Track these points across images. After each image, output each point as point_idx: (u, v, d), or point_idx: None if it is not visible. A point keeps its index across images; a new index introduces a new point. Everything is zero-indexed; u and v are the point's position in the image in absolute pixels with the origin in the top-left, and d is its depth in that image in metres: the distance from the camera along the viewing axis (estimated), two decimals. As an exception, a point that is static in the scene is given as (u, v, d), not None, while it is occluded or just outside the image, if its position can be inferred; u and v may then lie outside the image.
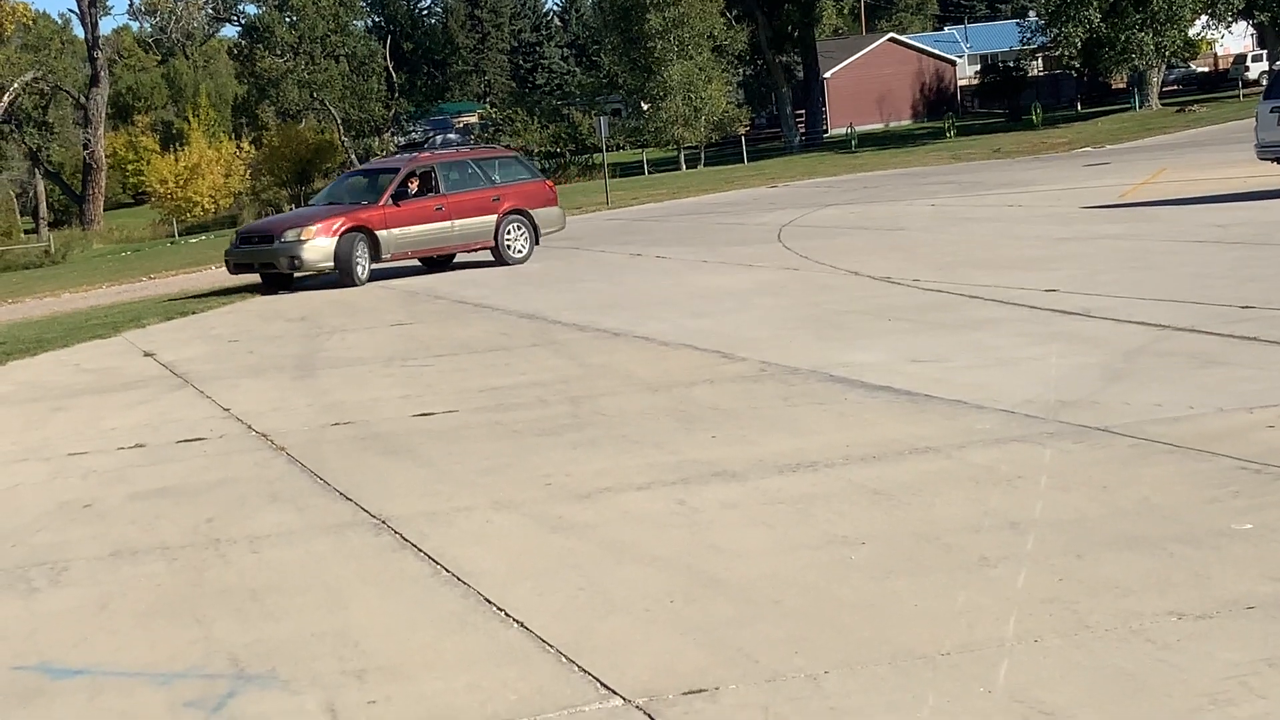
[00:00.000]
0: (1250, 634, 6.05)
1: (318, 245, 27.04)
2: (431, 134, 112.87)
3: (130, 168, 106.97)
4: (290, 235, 27.22)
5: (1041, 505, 8.23)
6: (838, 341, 14.83)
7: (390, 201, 28.09)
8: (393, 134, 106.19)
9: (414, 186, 28.72)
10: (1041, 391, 11.32)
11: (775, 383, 12.83)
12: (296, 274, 27.58)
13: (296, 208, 31.24)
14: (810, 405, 11.71)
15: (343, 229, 27.25)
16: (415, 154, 31.87)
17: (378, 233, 27.66)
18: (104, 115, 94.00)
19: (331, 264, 27.16)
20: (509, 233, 29.45)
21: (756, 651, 6.34)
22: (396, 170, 29.02)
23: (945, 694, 5.70)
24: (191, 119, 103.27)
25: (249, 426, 13.06)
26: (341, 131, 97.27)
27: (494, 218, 29.24)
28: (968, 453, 9.63)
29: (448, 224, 28.69)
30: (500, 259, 29.22)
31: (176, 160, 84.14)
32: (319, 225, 27.23)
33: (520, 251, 29.46)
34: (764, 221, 33.25)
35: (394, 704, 6.08)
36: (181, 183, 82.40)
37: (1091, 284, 17.25)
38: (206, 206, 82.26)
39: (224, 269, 30.10)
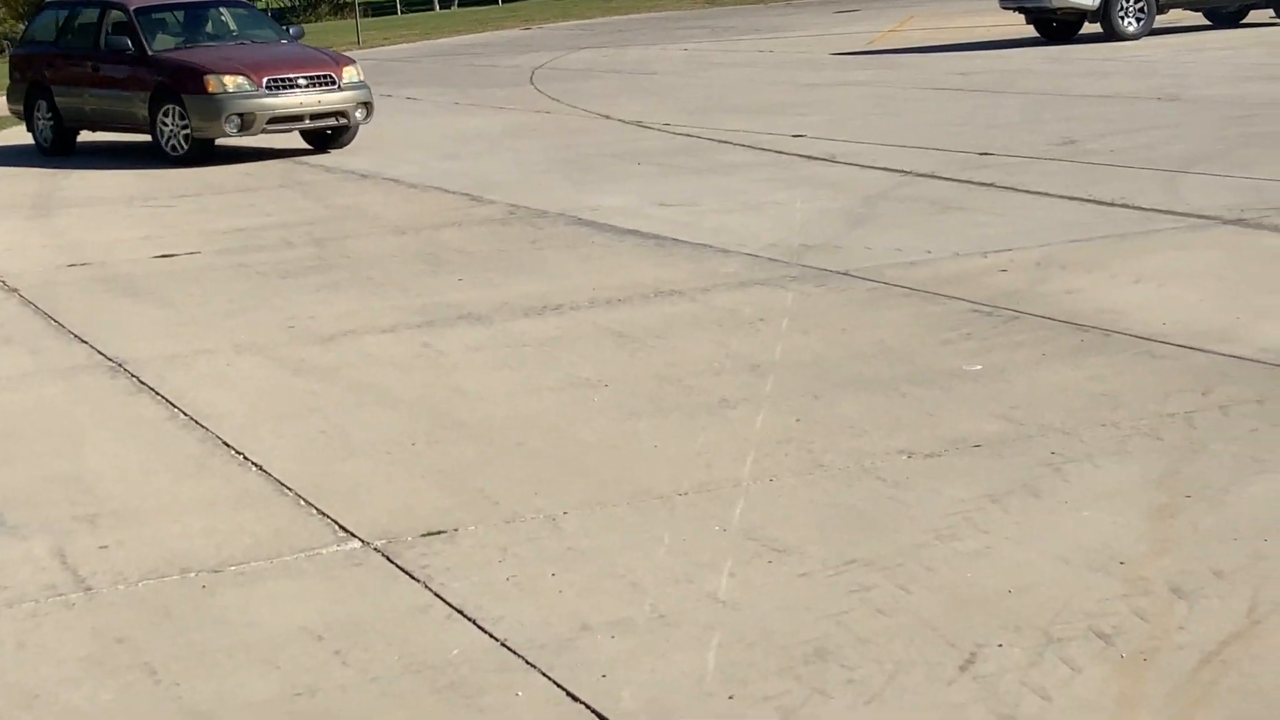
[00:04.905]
0: (975, 471, 6.24)
1: None
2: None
3: None
4: None
5: (781, 348, 8.36)
6: (587, 185, 14.82)
7: None
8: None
9: None
10: (785, 235, 11.46)
11: (523, 225, 12.79)
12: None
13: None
14: (558, 248, 11.71)
15: None
16: None
17: None
18: None
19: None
20: None
21: (497, 493, 6.35)
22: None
23: (681, 532, 5.79)
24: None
25: (-20, 268, 12.63)
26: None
27: None
28: (712, 296, 9.72)
29: None
30: None
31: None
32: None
33: None
34: (517, 64, 32.94)
35: (126, 548, 5.97)
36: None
37: (838, 130, 17.46)
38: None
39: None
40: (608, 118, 20.83)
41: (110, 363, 9.06)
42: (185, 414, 7.84)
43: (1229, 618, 4.77)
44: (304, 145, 19.67)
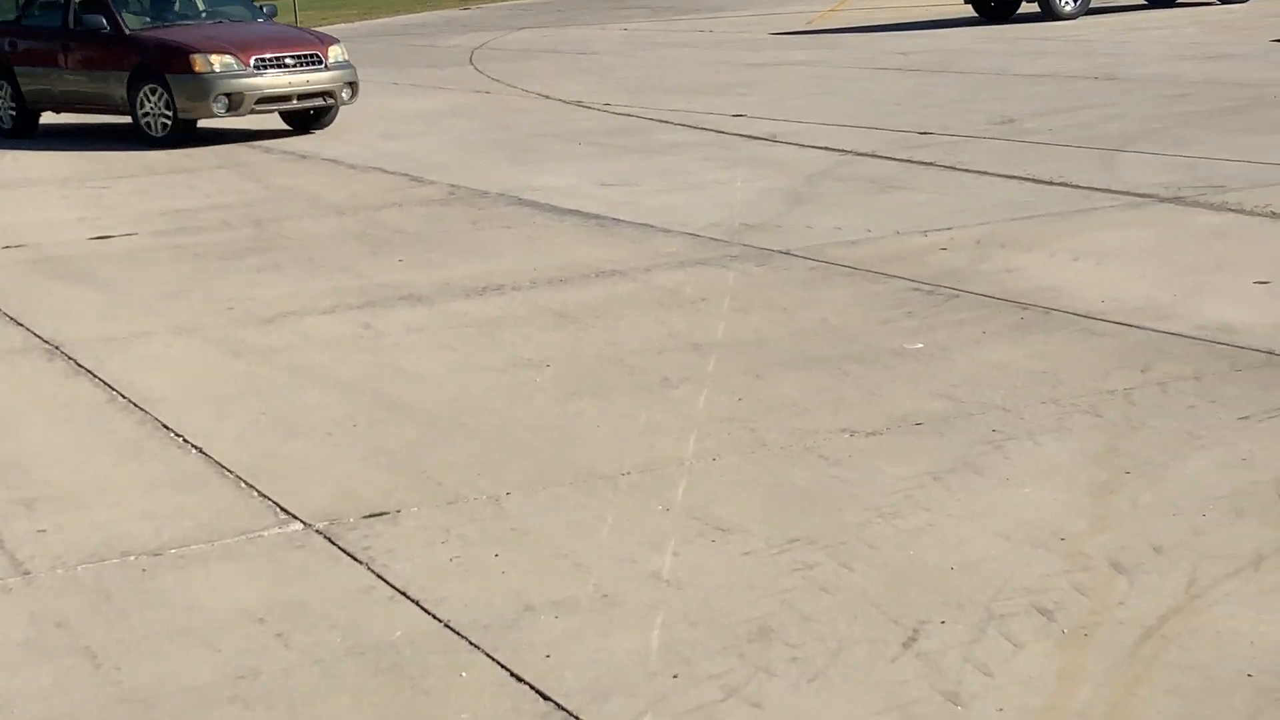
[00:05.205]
0: (917, 449, 6.26)
1: None
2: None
3: None
4: None
5: (723, 327, 8.36)
6: (528, 165, 14.79)
7: None
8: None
9: None
10: (727, 215, 11.47)
11: (464, 206, 12.75)
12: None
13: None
14: (498, 229, 11.68)
15: None
16: None
17: None
18: None
19: None
20: None
21: (439, 474, 6.33)
22: None
23: (624, 512, 5.78)
24: None
25: (-87, 250, 12.48)
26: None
27: None
28: (653, 275, 9.71)
29: None
30: None
31: None
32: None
33: None
34: (456, 44, 32.83)
35: (65, 532, 5.92)
36: None
37: (778, 109, 17.48)
38: None
39: None
40: (548, 98, 20.79)
41: (47, 345, 8.97)
42: (124, 396, 7.78)
43: (1168, 593, 4.81)
44: (281, 126, 19.38)
